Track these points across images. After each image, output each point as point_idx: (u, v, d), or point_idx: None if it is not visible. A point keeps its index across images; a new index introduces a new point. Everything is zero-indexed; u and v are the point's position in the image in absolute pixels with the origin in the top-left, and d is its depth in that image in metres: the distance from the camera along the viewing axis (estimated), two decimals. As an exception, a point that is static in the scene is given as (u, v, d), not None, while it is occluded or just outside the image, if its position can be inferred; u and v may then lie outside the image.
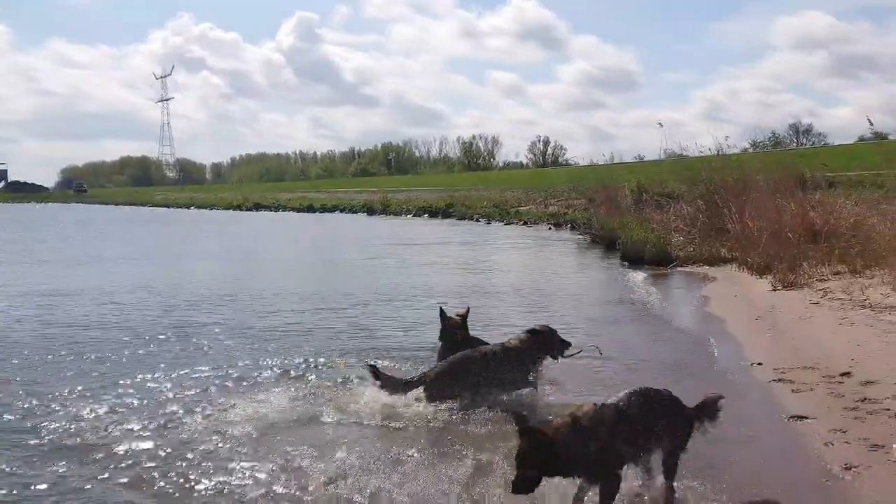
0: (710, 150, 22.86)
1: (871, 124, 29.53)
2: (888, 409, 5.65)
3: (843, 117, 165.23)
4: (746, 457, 5.24)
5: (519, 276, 15.81)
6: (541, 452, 3.84)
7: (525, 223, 33.21)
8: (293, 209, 56.88)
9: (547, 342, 6.35)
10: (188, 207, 71.18)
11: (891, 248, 10.93)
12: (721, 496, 4.46)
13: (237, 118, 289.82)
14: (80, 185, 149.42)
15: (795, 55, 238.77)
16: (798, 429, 5.55)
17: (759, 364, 7.28)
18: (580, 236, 24.32)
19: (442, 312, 7.07)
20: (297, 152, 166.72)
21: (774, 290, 11.07)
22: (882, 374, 6.43)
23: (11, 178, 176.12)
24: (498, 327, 9.25)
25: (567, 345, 6.39)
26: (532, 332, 6.38)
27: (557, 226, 30.39)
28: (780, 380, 6.71)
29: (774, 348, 7.86)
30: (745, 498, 4.38)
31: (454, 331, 6.95)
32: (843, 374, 6.66)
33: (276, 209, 59.19)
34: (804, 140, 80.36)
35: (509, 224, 33.78)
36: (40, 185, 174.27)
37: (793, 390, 6.42)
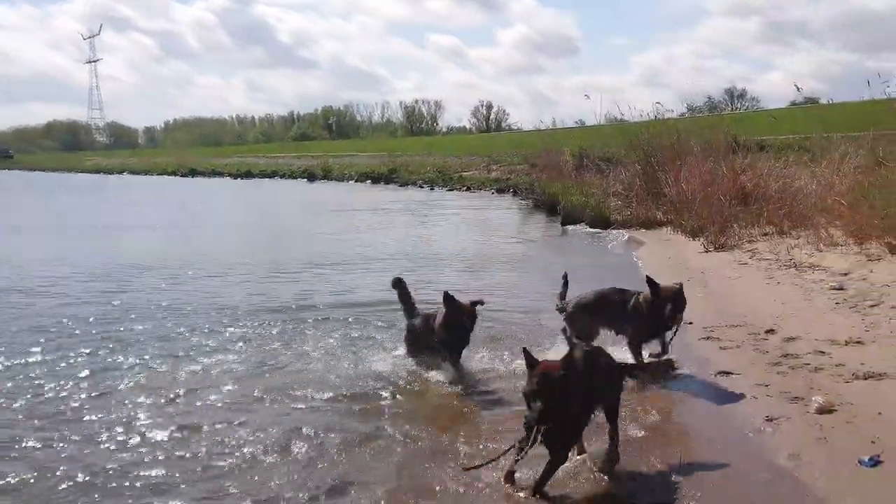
0: (648, 115, 23.27)
1: (799, 90, 30.48)
2: (808, 364, 5.94)
3: (775, 82, 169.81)
4: (676, 411, 5.48)
5: (462, 242, 15.89)
6: (550, 388, 3.99)
7: (468, 189, 33.28)
8: (231, 175, 55.43)
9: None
10: (121, 173, 68.62)
11: (816, 210, 11.42)
12: (654, 450, 4.64)
13: (170, 80, 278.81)
14: (5, 150, 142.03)
15: (730, 21, 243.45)
16: (724, 384, 5.79)
17: (690, 323, 7.50)
18: (523, 201, 24.55)
19: (448, 297, 6.20)
20: (235, 116, 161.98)
21: (706, 252, 11.45)
22: (804, 331, 6.75)
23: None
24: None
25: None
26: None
27: (500, 191, 30.57)
28: (708, 338, 6.97)
29: (705, 308, 8.13)
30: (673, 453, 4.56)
31: (462, 317, 6.15)
32: (767, 332, 6.96)
33: (213, 175, 57.61)
34: (738, 105, 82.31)
35: (452, 190, 33.80)
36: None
37: (720, 347, 6.68)
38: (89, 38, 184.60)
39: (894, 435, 4.49)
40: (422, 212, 23.96)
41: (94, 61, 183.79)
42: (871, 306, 7.32)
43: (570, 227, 17.01)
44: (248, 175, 53.99)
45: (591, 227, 16.47)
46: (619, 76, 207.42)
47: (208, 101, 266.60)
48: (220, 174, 57.20)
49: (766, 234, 11.65)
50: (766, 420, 4.97)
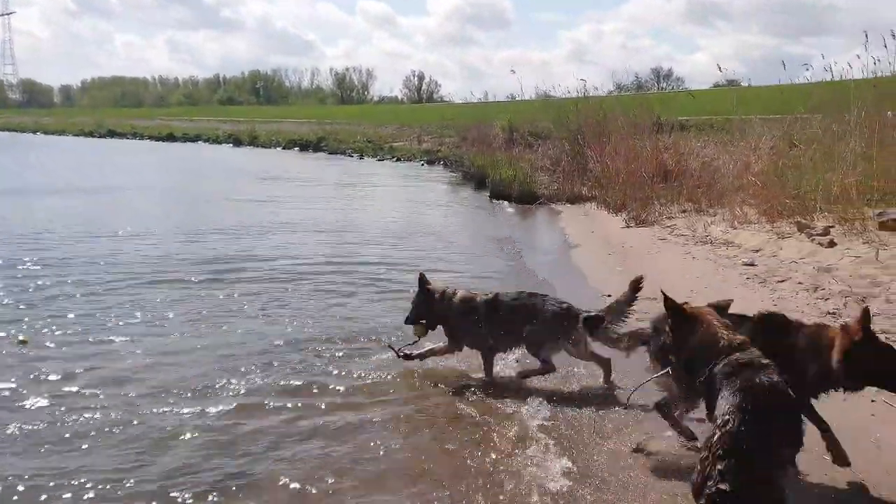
0: (577, 91, 23.53)
1: (722, 71, 31.50)
2: (717, 336, 6.15)
3: (698, 63, 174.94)
4: (588, 382, 5.59)
5: (391, 213, 15.74)
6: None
7: (398, 159, 33.04)
8: (151, 137, 53.20)
9: None
10: (34, 133, 64.79)
11: (732, 188, 11.82)
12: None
13: (87, 38, 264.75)
14: None
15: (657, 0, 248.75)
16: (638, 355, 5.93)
17: (609, 296, 7.66)
18: (452, 173, 24.51)
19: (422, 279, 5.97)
20: (157, 77, 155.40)
21: (628, 227, 11.71)
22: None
23: None
24: (370, 265, 9.22)
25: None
26: None
27: (430, 163, 30.46)
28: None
29: (624, 281, 8.28)
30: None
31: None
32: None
33: (134, 137, 55.17)
34: (664, 85, 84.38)
35: (382, 160, 33.46)
36: None
37: (637, 319, 6.82)
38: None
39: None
40: (348, 181, 23.65)
41: (8, 14, 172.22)
42: (779, 281, 7.64)
43: (497, 201, 17.08)
44: (170, 138, 51.96)
45: (518, 201, 16.58)
46: (549, 51, 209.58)
47: (129, 62, 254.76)
48: (141, 136, 54.80)
49: (684, 212, 12.01)
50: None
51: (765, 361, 3.20)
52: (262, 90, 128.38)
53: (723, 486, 2.80)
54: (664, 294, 3.79)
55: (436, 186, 22.08)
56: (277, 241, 11.25)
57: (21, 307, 7.04)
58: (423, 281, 5.82)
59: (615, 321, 5.38)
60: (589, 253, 10.24)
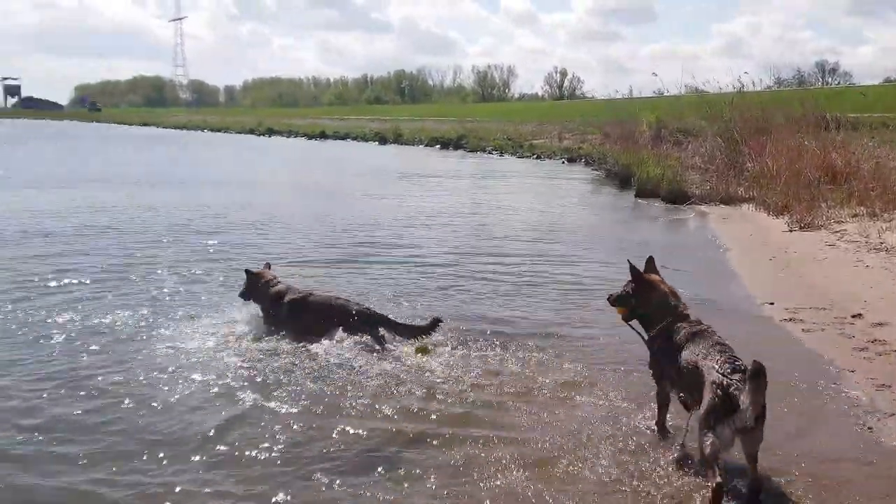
0: (731, 87, 22.35)
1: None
2: (898, 351, 5.67)
3: (865, 56, 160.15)
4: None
5: (530, 212, 15.63)
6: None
7: (538, 157, 32.81)
8: (305, 135, 56.29)
9: None
10: (201, 130, 70.56)
11: (911, 192, 10.77)
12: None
13: (247, 40, 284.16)
14: (93, 103, 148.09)
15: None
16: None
17: (772, 304, 7.26)
18: (594, 172, 24.04)
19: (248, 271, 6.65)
20: (311, 78, 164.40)
21: (790, 231, 10.96)
22: (894, 317, 6.41)
23: (24, 93, 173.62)
24: (509, 265, 9.28)
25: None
26: None
27: (571, 160, 30.01)
28: (791, 319, 6.71)
29: (787, 288, 7.83)
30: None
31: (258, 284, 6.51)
32: (854, 316, 6.65)
33: (289, 135, 58.63)
34: (830, 80, 78.03)
35: (522, 157, 33.37)
36: (54, 102, 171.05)
37: (803, 329, 6.43)
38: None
39: None
40: (487, 178, 23.81)
41: (180, 19, 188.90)
42: (970, 295, 6.89)
43: (643, 200, 16.52)
44: (322, 136, 54.69)
45: (666, 200, 15.93)
46: (699, 44, 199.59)
47: (284, 63, 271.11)
48: (296, 134, 58.14)
49: (856, 216, 11.06)
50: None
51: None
52: (407, 89, 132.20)
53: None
54: (630, 263, 4.55)
55: (577, 184, 21.71)
56: (415, 234, 11.52)
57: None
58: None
59: None
60: (746, 257, 9.71)
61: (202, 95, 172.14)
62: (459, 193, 18.56)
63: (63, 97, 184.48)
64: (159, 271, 8.33)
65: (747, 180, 14.91)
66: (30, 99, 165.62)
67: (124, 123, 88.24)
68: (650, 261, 4.61)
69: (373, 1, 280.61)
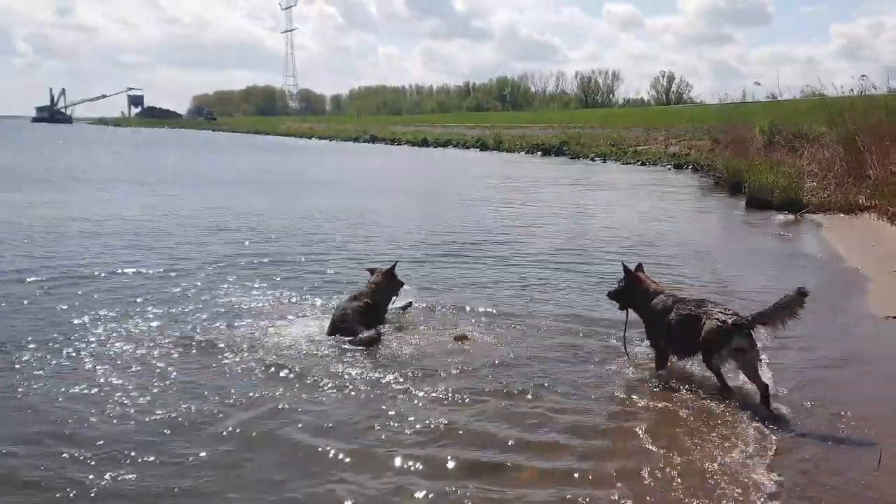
0: (852, 90, 21.12)
1: None
2: None
3: None
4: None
5: (626, 220, 15.21)
6: None
7: (643, 164, 32.13)
8: (408, 143, 57.51)
9: None
10: (309, 138, 73.45)
11: None
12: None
13: (353, 50, 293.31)
14: (210, 112, 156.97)
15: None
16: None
17: (894, 318, 6.87)
18: (703, 178, 23.29)
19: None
20: (413, 86, 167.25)
21: (917, 242, 10.29)
22: None
23: (147, 104, 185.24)
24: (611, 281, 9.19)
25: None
26: None
27: (678, 167, 29.22)
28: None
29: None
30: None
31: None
32: None
33: (393, 143, 60.07)
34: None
35: (626, 164, 32.76)
36: (174, 112, 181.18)
37: (930, 348, 6.05)
38: (286, 8, 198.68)
39: None
40: (589, 186, 23.49)
41: (290, 30, 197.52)
42: None
43: (754, 210, 15.83)
44: (424, 143, 55.72)
45: (780, 209, 15.22)
46: (816, 46, 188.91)
47: (389, 71, 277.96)
48: (399, 142, 59.49)
49: None
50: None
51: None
52: (509, 96, 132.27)
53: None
54: (623, 263, 5.90)
55: (684, 191, 21.07)
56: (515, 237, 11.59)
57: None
58: None
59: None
60: (868, 270, 9.17)
61: (310, 103, 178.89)
62: (562, 202, 18.38)
63: (182, 107, 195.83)
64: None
65: (869, 188, 14.05)
66: (151, 109, 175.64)
67: (236, 131, 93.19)
68: (639, 266, 5.95)
69: (474, 9, 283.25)
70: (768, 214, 15.04)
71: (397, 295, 7.04)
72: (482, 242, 11.35)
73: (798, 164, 18.18)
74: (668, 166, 30.00)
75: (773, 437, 4.43)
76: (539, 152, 41.70)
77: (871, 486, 3.88)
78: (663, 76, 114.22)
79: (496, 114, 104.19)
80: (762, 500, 3.71)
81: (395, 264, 7.15)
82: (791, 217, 14.52)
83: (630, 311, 5.86)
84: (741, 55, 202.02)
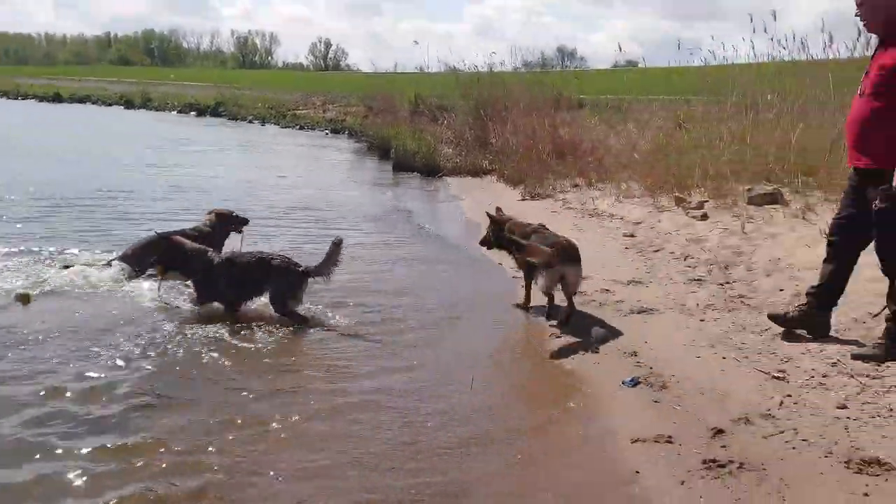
0: (483, 66, 23.84)
1: (621, 50, 32.39)
2: (594, 301, 6.67)
3: (599, 43, 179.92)
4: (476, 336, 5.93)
5: (296, 183, 15.42)
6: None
7: (302, 127, 32.44)
8: (37, 97, 49.72)
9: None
10: None
11: (620, 165, 12.50)
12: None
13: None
14: None
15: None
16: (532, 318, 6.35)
17: (500, 264, 8.08)
18: (357, 143, 24.39)
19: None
20: (43, 34, 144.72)
21: (523, 200, 12.19)
22: (594, 271, 7.47)
23: None
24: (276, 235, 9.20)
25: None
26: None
27: (335, 132, 30.12)
28: (514, 277, 7.52)
29: (515, 251, 8.73)
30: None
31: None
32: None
33: (17, 97, 51.37)
34: (568, 63, 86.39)
35: (286, 128, 32.76)
36: None
37: (521, 286, 7.25)
38: None
39: (655, 360, 5.19)
40: (249, 148, 23.10)
41: None
42: (654, 251, 8.26)
43: (400, 173, 17.19)
44: (56, 98, 48.69)
45: (421, 173, 16.77)
46: (454, 24, 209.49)
47: (8, 15, 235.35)
48: (25, 96, 51.06)
49: (576, 186, 12.58)
50: (551, 356, 5.57)
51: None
52: (157, 50, 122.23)
53: None
54: (487, 212, 7.27)
55: (339, 155, 21.91)
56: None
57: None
58: None
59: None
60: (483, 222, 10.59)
61: None
62: (227, 164, 17.73)
63: None
64: None
65: (491, 154, 16.16)
66: None
67: None
68: (498, 209, 7.28)
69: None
70: (410, 177, 16.54)
71: None
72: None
73: (437, 132, 20.06)
74: (326, 131, 30.76)
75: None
76: (193, 112, 39.32)
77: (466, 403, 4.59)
78: (321, 42, 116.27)
79: (144, 68, 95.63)
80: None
81: None
82: (429, 178, 16.11)
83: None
84: (391, 26, 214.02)
